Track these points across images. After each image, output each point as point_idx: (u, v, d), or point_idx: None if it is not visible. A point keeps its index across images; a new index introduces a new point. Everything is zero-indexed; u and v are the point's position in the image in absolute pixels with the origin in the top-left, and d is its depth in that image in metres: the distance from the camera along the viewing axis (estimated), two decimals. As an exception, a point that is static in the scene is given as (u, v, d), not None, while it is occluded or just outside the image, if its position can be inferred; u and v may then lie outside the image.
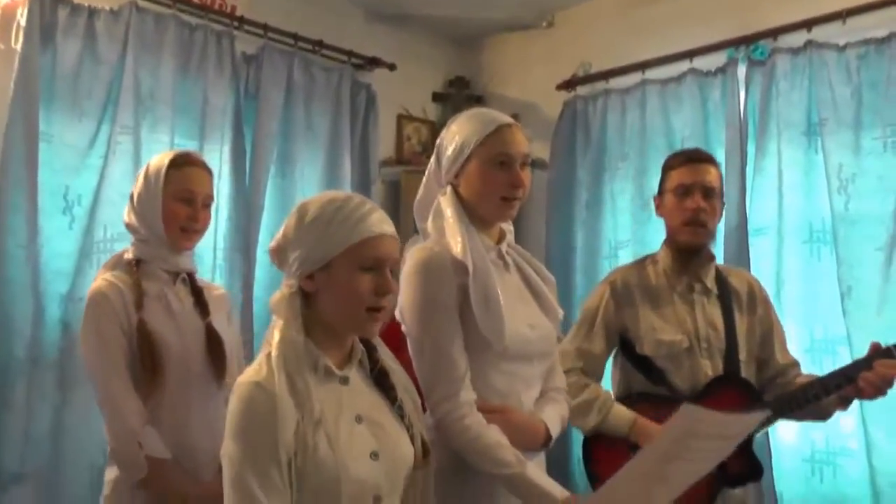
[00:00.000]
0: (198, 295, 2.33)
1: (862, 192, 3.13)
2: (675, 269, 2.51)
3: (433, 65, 4.52)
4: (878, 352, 2.33)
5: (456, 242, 1.91)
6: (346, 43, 3.95)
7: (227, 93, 3.50)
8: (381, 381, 1.70)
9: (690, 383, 2.40)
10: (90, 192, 3.14)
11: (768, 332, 2.54)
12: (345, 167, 3.87)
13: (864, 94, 3.16)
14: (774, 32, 3.38)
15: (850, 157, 3.16)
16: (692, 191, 2.45)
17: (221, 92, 3.48)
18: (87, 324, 2.20)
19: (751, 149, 3.42)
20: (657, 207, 2.59)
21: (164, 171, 2.26)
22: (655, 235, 3.09)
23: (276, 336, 1.58)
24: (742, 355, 2.45)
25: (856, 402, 2.88)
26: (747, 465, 2.34)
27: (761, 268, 3.33)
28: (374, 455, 1.58)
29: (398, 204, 4.17)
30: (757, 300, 2.55)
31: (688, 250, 2.49)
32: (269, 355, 1.55)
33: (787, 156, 3.32)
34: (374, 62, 4.03)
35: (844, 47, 3.21)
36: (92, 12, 3.19)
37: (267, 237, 3.57)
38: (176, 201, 2.26)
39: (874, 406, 2.93)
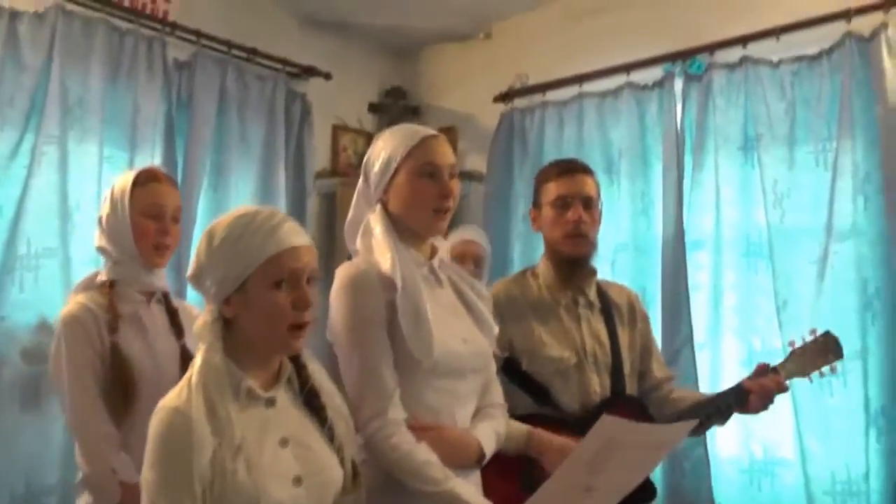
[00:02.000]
0: (173, 315, 2.30)
1: (796, 206, 3.19)
2: (558, 283, 2.45)
3: (369, 75, 4.47)
4: (764, 371, 2.38)
5: (385, 258, 1.87)
6: (281, 51, 3.86)
7: (159, 101, 3.38)
8: (310, 401, 1.66)
9: (579, 401, 2.35)
10: (12, 205, 2.97)
11: (647, 346, 2.54)
12: (279, 179, 3.78)
13: (798, 109, 3.23)
14: (710, 48, 3.43)
15: (785, 172, 3.23)
16: (572, 202, 2.39)
17: (152, 100, 3.36)
18: (59, 348, 2.17)
19: (688, 162, 3.45)
20: (533, 221, 2.53)
21: (128, 189, 2.25)
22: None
23: (198, 361, 1.55)
24: (626, 369, 2.43)
25: (792, 413, 3.00)
26: (639, 487, 2.15)
27: (699, 280, 3.39)
28: (298, 480, 1.55)
29: (334, 216, 4.10)
30: (636, 314, 2.54)
31: (571, 262, 2.43)
32: (189, 380, 1.52)
33: (723, 170, 3.38)
34: (309, 71, 3.96)
35: (778, 64, 3.28)
36: (14, 15, 3.04)
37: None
38: (144, 218, 2.25)
39: (809, 416, 3.02)
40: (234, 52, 3.67)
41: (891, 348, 2.95)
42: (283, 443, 1.57)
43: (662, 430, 2.14)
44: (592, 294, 2.48)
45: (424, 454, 1.79)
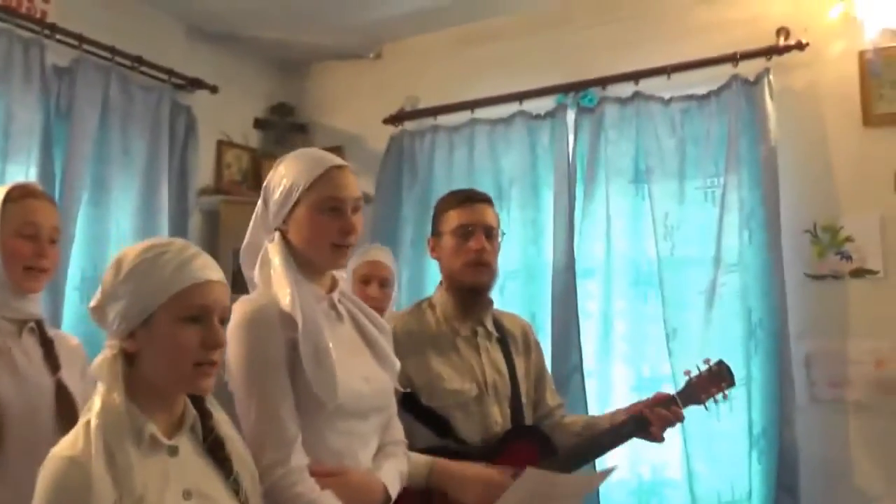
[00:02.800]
0: (47, 346, 2.05)
1: (685, 238, 3.34)
2: (457, 314, 2.43)
3: (256, 89, 4.33)
4: (664, 401, 2.46)
5: (284, 294, 1.80)
6: (167, 61, 3.67)
7: (36, 108, 3.12)
8: (215, 450, 1.57)
9: (480, 432, 2.33)
10: None
11: (541, 374, 2.58)
12: (162, 195, 3.58)
13: (688, 146, 3.38)
14: (603, 81, 3.54)
15: (675, 206, 3.36)
16: (474, 231, 2.39)
17: (29, 107, 3.10)
18: None
19: (579, 192, 3.54)
20: (432, 250, 2.53)
21: (0, 206, 1.99)
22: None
23: (97, 403, 1.43)
24: (524, 398, 2.46)
25: (680, 436, 3.13)
26: None
27: (589, 308, 3.48)
28: None
29: (216, 235, 3.93)
30: (530, 343, 2.58)
31: (471, 292, 2.43)
32: (87, 425, 1.41)
33: (614, 201, 3.48)
34: (195, 83, 3.78)
35: (669, 101, 3.42)
36: None
37: (77, 271, 3.24)
38: (17, 238, 2.00)
39: (696, 439, 3.15)
40: (118, 59, 3.45)
41: (771, 375, 3.12)
42: (187, 495, 1.48)
43: (582, 479, 2.26)
44: (490, 324, 2.48)
45: (329, 502, 1.74)
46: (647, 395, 3.23)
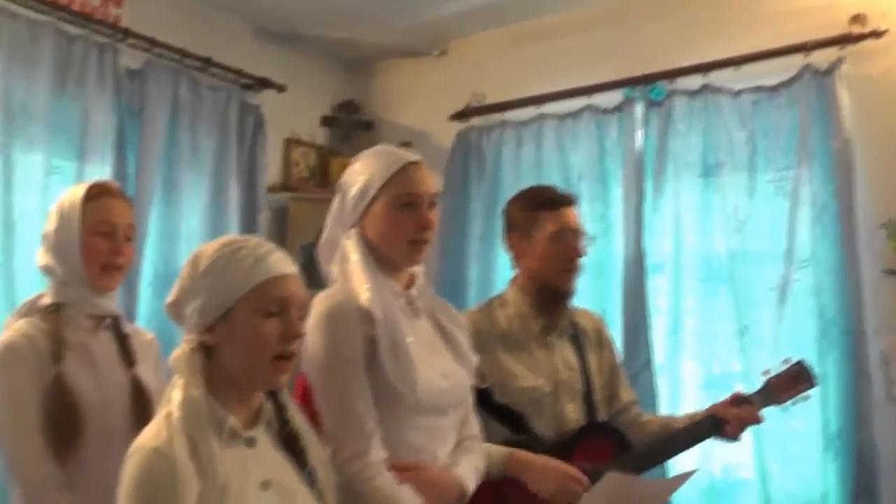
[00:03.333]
0: (123, 342, 2.10)
1: (756, 233, 3.26)
2: (532, 313, 2.42)
3: (323, 88, 4.37)
4: (738, 401, 2.41)
5: (363, 290, 1.82)
6: (235, 61, 3.74)
7: (110, 110, 3.22)
8: (290, 443, 1.60)
9: (554, 429, 2.33)
10: (-47, 220, 2.79)
11: (614, 370, 2.55)
12: (231, 193, 3.66)
13: (758, 139, 3.29)
14: (671, 74, 3.48)
15: (745, 200, 3.29)
16: (570, 235, 2.40)
17: (103, 109, 3.19)
18: None
19: (648, 187, 3.49)
20: (512, 246, 2.49)
21: (79, 204, 2.04)
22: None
23: (177, 396, 1.47)
24: (597, 395, 2.44)
25: (751, 435, 3.05)
26: None
27: (658, 304, 3.42)
28: None
29: (285, 232, 3.99)
30: (603, 339, 2.56)
31: (558, 296, 2.42)
32: (168, 416, 1.44)
33: (684, 196, 3.42)
34: (263, 83, 3.84)
35: (739, 93, 3.34)
36: (-45, 15, 2.85)
37: (150, 269, 3.33)
38: (95, 236, 2.05)
39: (767, 436, 3.07)
40: (188, 61, 3.53)
41: (847, 373, 3.03)
42: (265, 486, 1.50)
43: (662, 483, 2.24)
44: (563, 321, 2.47)
45: (408, 497, 1.75)
46: (716, 392, 3.24)
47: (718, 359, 3.30)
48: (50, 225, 2.09)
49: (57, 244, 2.05)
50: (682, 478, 2.24)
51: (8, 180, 2.90)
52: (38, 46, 3.04)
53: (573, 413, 2.36)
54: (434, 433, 1.88)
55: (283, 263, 1.55)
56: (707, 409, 2.43)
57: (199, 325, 1.51)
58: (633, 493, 1.93)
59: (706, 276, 3.36)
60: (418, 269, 2.00)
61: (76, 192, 2.09)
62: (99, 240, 2.05)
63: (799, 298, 3.13)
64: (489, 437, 2.15)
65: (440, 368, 1.89)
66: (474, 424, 2.03)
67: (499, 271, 3.81)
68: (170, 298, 1.57)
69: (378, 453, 1.76)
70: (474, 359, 2.01)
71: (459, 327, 2.02)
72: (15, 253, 2.91)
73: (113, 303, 2.15)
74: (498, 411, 2.30)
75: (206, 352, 1.52)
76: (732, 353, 3.22)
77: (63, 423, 1.91)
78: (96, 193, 2.09)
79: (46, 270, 2.09)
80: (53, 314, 2.03)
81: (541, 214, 2.42)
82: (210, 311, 1.50)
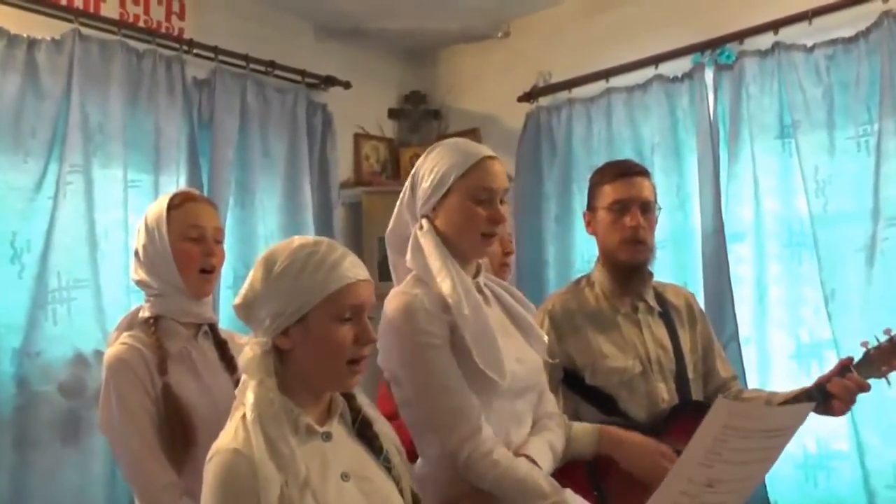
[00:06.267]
0: (222, 347, 2.14)
1: (839, 193, 3.11)
2: (616, 290, 2.38)
3: (387, 80, 4.40)
4: (845, 366, 2.26)
5: (444, 279, 1.83)
6: (299, 62, 3.79)
7: (180, 121, 3.32)
8: (364, 432, 1.62)
9: (647, 410, 2.29)
10: (40, 238, 2.91)
11: (709, 346, 2.47)
12: (305, 192, 3.72)
13: (836, 94, 3.14)
14: (740, 35, 3.35)
15: (826, 159, 3.15)
16: (630, 207, 2.33)
17: (174, 121, 3.30)
18: (108, 394, 1.99)
19: (723, 154, 3.38)
20: (587, 224, 2.46)
21: (164, 214, 2.07)
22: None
23: (251, 397, 1.49)
24: (690, 374, 2.37)
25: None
26: None
27: (741, 273, 3.32)
28: None
29: (360, 226, 4.04)
30: (695, 313, 2.48)
31: (628, 269, 2.36)
32: (244, 418, 1.47)
33: (761, 160, 3.30)
34: (328, 81, 3.89)
35: (812, 48, 3.19)
36: (32, 43, 2.97)
37: (229, 272, 3.40)
38: (185, 241, 2.07)
39: (865, 408, 2.92)
40: (253, 66, 3.60)
41: (946, 336, 2.86)
42: (345, 477, 1.52)
43: (780, 412, 1.99)
44: (651, 298, 2.41)
45: (527, 466, 1.78)
46: (807, 362, 3.13)
47: (807, 326, 3.17)
48: (139, 241, 2.11)
49: (149, 257, 2.08)
50: (804, 409, 1.89)
51: (90, 198, 3.02)
52: (109, 65, 3.15)
53: (665, 393, 2.32)
54: (509, 416, 1.89)
55: (357, 268, 1.57)
56: (816, 381, 2.29)
57: (273, 328, 1.53)
58: (750, 424, 1.66)
59: (789, 241, 3.23)
60: (483, 259, 2.02)
61: (160, 204, 2.12)
62: (190, 245, 2.07)
63: (888, 259, 2.97)
64: (578, 420, 2.15)
65: (515, 353, 1.90)
66: (550, 402, 2.04)
67: (577, 251, 3.77)
68: (238, 300, 1.58)
69: (488, 430, 1.79)
70: (544, 336, 2.02)
71: (527, 308, 2.03)
72: (101, 268, 3.02)
73: (208, 310, 2.17)
74: (589, 394, 2.30)
75: (278, 354, 1.54)
76: (821, 319, 3.09)
77: (177, 432, 1.95)
78: (180, 201, 2.12)
79: (142, 285, 2.12)
80: (154, 326, 2.06)
81: (604, 187, 2.39)
82: (286, 316, 1.52)
